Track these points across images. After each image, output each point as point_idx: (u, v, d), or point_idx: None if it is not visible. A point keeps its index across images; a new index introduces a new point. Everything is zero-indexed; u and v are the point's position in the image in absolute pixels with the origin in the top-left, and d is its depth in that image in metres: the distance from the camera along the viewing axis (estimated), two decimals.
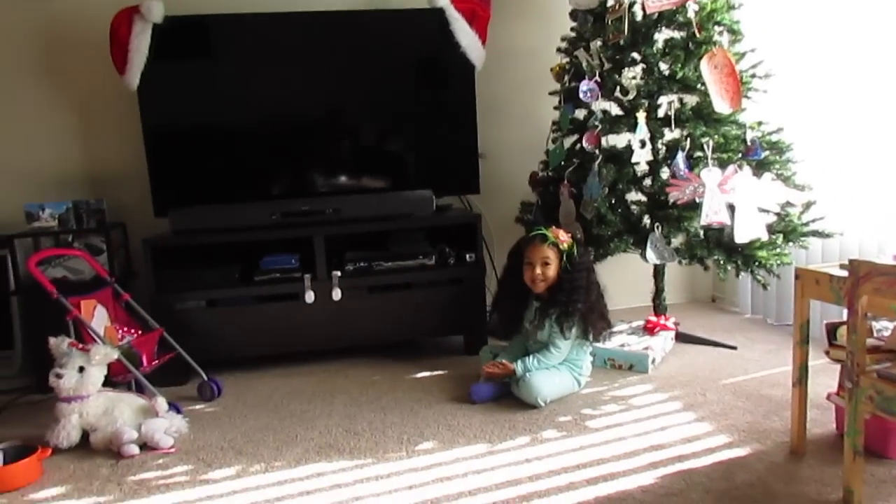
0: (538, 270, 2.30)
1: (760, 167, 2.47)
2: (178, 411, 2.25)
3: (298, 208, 2.74)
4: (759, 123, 2.54)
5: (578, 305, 2.26)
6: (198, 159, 2.79)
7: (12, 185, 2.93)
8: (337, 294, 2.70)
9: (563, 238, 2.32)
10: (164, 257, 2.67)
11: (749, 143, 2.47)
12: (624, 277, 3.14)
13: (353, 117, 2.90)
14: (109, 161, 3.01)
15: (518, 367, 2.29)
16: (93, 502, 1.77)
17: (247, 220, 2.71)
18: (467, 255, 2.83)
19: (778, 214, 2.48)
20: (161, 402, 2.16)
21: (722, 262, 2.52)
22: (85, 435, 2.11)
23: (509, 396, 2.31)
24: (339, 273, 2.72)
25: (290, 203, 2.76)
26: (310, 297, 2.69)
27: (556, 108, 2.89)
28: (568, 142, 2.80)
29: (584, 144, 2.62)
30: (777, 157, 2.50)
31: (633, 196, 2.68)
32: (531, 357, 2.31)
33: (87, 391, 2.10)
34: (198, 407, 2.40)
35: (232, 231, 2.69)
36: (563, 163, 2.76)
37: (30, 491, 1.85)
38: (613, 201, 2.58)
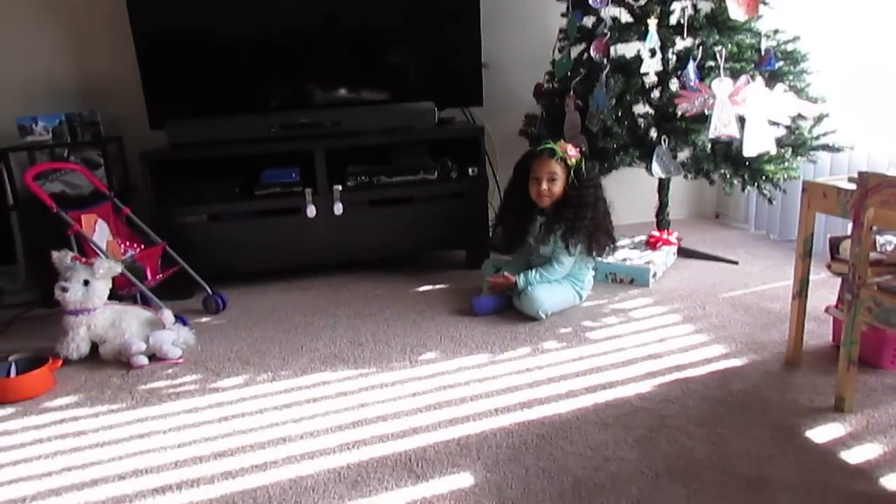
0: (544, 185, 2.29)
1: (773, 78, 2.42)
2: (185, 323, 2.30)
3: (298, 121, 2.71)
4: (775, 31, 2.47)
5: (585, 222, 2.27)
6: (192, 69, 2.73)
7: (2, 97, 2.88)
8: (339, 208, 2.71)
9: (572, 153, 2.30)
10: (163, 171, 2.65)
11: (763, 53, 2.41)
12: (628, 192, 3.13)
13: (352, 25, 2.81)
14: (101, 72, 2.94)
15: (520, 279, 2.32)
16: (106, 409, 1.85)
17: (245, 132, 2.68)
18: (470, 169, 2.82)
19: (788, 128, 2.45)
20: (167, 315, 2.21)
21: (728, 176, 2.52)
22: (94, 347, 2.17)
23: (511, 309, 2.36)
24: (340, 187, 2.72)
25: (289, 115, 2.72)
26: (311, 211, 2.70)
27: (563, 14, 2.80)
28: (575, 51, 2.73)
29: (592, 53, 2.56)
30: (791, 68, 2.45)
31: (641, 108, 2.64)
32: (534, 270, 2.34)
33: (94, 304, 2.14)
34: (204, 320, 2.45)
35: (231, 144, 2.66)
36: (569, 73, 2.70)
37: (44, 399, 1.92)
38: (620, 113, 2.54)
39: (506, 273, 2.37)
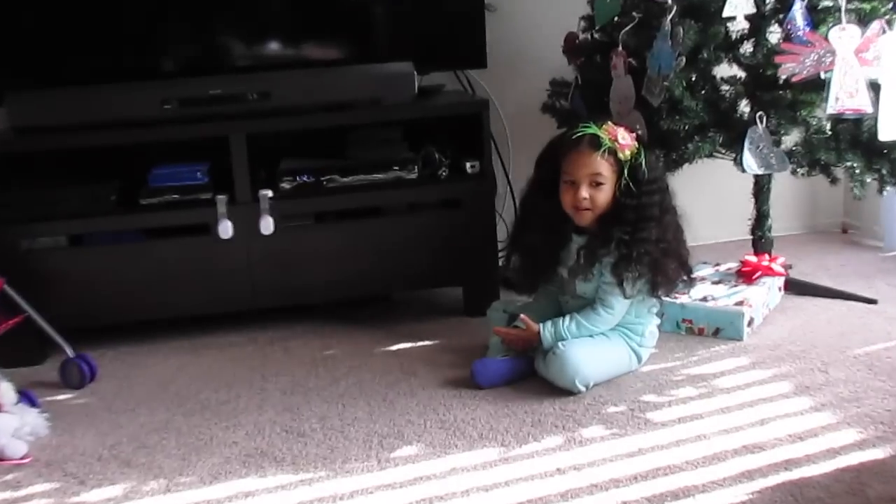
0: (584, 192, 2.29)
1: None
2: (34, 403, 2.28)
3: (205, 92, 2.71)
4: None
5: (647, 246, 2.28)
6: (43, 15, 2.74)
7: None
8: (268, 225, 2.70)
9: (626, 142, 2.30)
10: (1, 169, 2.65)
11: None
12: (708, 197, 3.15)
13: None
14: None
15: (546, 332, 2.32)
16: None
17: (126, 111, 2.69)
18: (468, 165, 2.83)
19: None
20: (6, 391, 2.19)
21: (858, 171, 2.53)
22: None
23: (532, 378, 2.35)
24: (270, 193, 2.72)
25: (192, 84, 2.73)
26: (226, 229, 2.69)
27: None
28: None
29: None
30: None
31: (725, 70, 2.66)
32: (567, 318, 2.34)
33: None
34: (62, 397, 2.44)
35: (104, 128, 2.66)
36: (616, 19, 2.73)
37: None
38: (694, 78, 2.55)
39: (525, 320, 2.37)
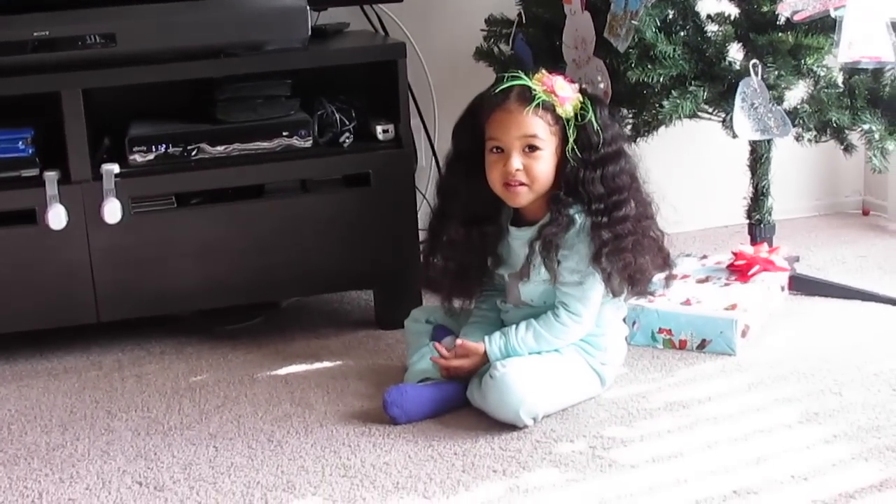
0: (516, 163, 2.30)
1: None
2: None
3: (28, 34, 2.68)
4: None
5: (630, 226, 2.31)
6: None
7: None
8: (114, 211, 2.69)
9: (565, 94, 2.32)
10: None
11: None
12: (691, 169, 3.20)
13: None
14: None
15: (494, 346, 2.34)
16: None
17: None
18: (379, 129, 2.85)
19: None
20: None
21: (878, 135, 2.59)
22: None
23: (464, 409, 2.37)
24: (116, 168, 2.70)
25: (10, 25, 2.69)
26: (58, 217, 2.67)
27: None
28: None
29: None
30: None
31: (710, 5, 2.70)
32: (522, 327, 2.36)
33: None
34: None
35: None
36: None
37: None
38: (671, 16, 2.59)
39: (464, 347, 2.38)
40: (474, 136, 2.38)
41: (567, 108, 2.31)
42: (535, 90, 2.30)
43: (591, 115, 2.32)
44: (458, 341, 2.40)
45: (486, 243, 2.44)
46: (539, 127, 2.30)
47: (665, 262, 2.43)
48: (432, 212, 2.56)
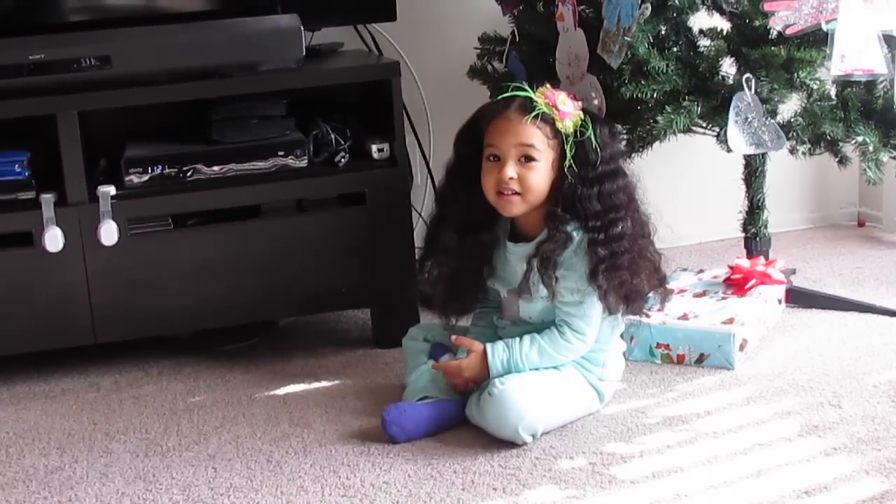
0: (510, 171, 2.30)
1: None
2: None
3: (24, 57, 2.68)
4: None
5: (626, 244, 2.31)
6: None
7: None
8: (110, 233, 2.68)
9: (567, 109, 2.33)
10: None
11: None
12: (685, 184, 3.20)
13: None
14: None
15: (496, 358, 2.34)
16: None
17: None
18: (374, 148, 2.85)
19: None
20: None
21: (872, 147, 2.58)
22: None
23: (463, 427, 2.37)
24: (113, 190, 2.70)
25: (6, 47, 2.69)
26: (54, 239, 2.66)
27: None
28: None
29: None
30: None
31: (704, 20, 2.70)
32: (526, 341, 2.35)
33: None
34: None
35: None
36: None
37: None
38: (664, 31, 2.59)
39: (461, 342, 2.39)
40: (474, 144, 2.38)
41: (567, 124, 2.31)
42: (537, 101, 2.31)
43: (590, 132, 2.32)
44: (454, 337, 2.41)
45: (481, 252, 2.44)
46: (536, 137, 2.30)
47: (661, 284, 2.43)
48: (430, 220, 2.56)
